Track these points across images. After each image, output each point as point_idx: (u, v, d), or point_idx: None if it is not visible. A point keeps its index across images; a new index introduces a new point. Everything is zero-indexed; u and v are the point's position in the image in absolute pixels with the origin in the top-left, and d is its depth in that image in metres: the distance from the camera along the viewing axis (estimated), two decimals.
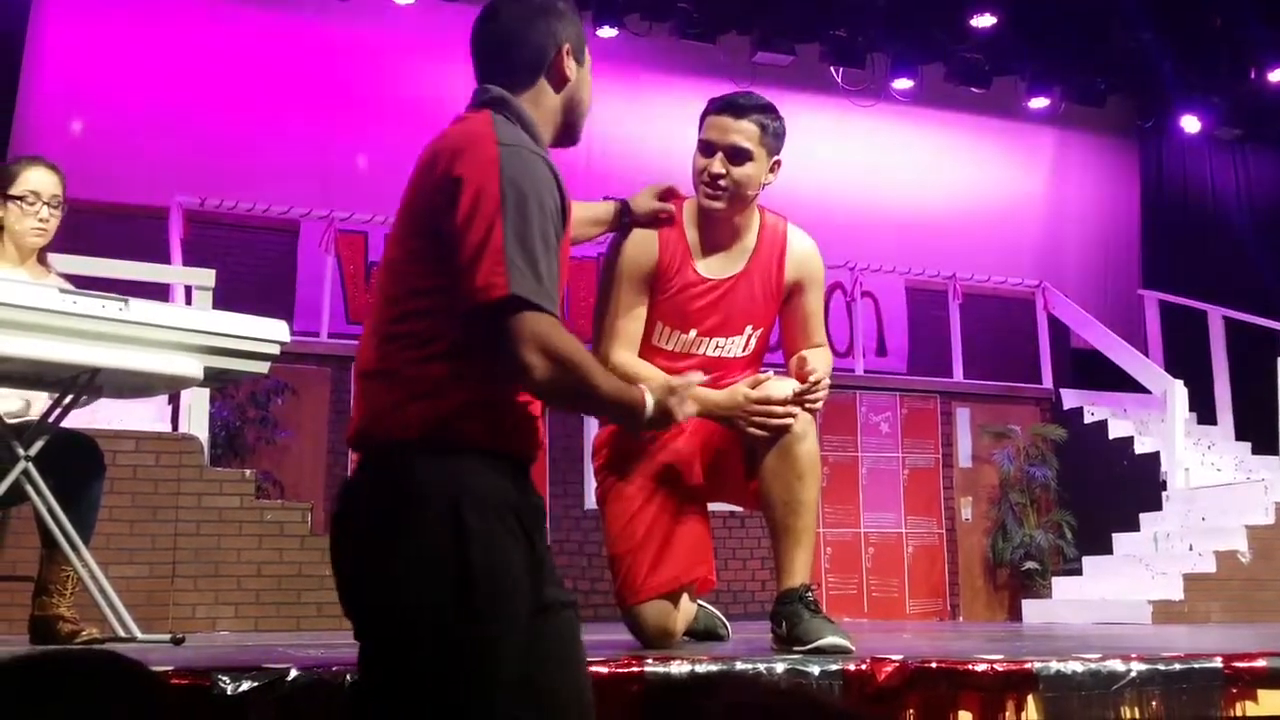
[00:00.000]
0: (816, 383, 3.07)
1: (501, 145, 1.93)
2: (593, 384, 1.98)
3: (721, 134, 3.18)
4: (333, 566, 2.00)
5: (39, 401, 3.68)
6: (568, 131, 2.20)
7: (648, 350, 3.24)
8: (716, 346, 3.28)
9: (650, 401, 2.07)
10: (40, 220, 3.70)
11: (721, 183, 3.18)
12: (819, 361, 3.21)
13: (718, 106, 3.22)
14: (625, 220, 3.25)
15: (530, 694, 1.87)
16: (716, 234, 3.28)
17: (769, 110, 3.23)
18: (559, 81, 2.12)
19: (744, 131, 3.17)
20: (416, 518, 1.87)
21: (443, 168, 1.95)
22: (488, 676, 1.84)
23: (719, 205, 3.20)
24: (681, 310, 3.24)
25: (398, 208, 2.06)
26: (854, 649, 2.85)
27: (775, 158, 3.24)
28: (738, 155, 3.16)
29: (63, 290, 3.36)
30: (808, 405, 3.06)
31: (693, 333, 3.26)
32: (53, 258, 3.95)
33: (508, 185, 1.89)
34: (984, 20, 9.78)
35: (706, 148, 3.19)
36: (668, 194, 3.27)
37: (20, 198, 3.68)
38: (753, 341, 3.34)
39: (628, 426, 2.19)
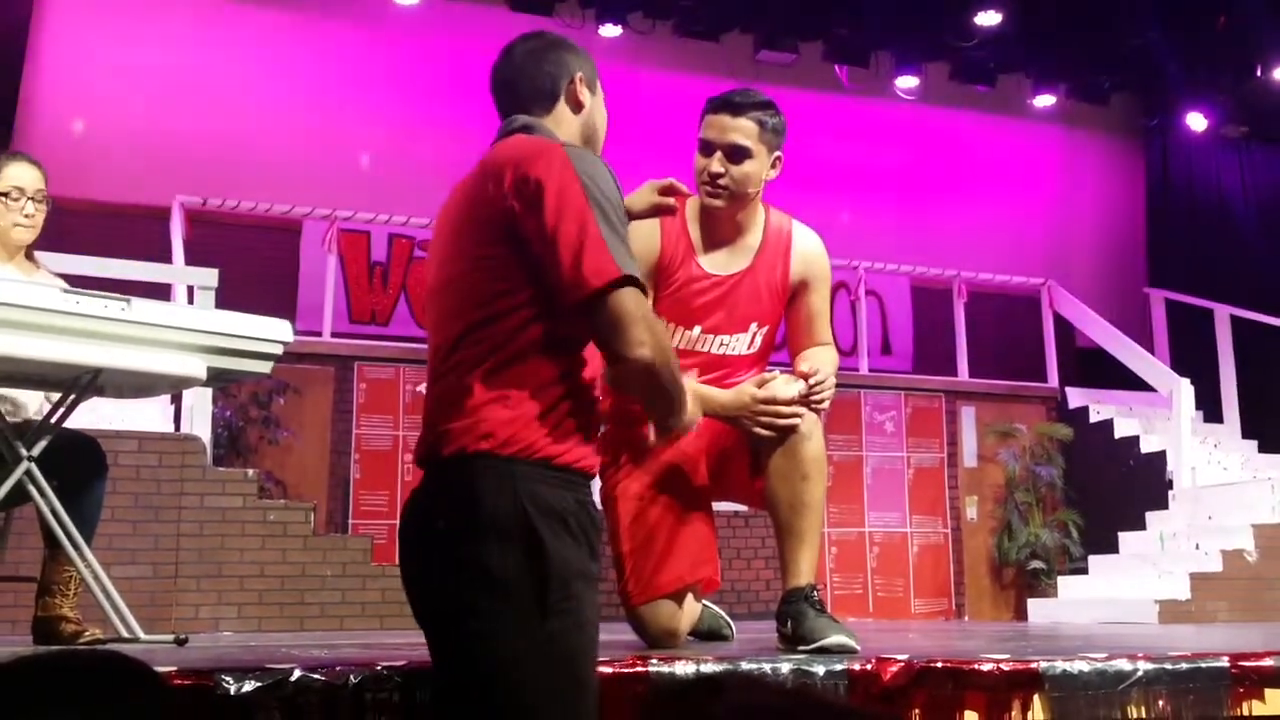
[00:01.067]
0: (820, 382, 3.06)
1: (568, 148, 2.05)
2: (675, 369, 2.06)
3: (720, 133, 3.16)
4: (404, 577, 2.06)
5: (33, 401, 3.67)
6: None
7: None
8: (721, 344, 3.27)
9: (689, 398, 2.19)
10: (26, 215, 3.69)
11: (721, 182, 3.17)
12: (823, 361, 3.20)
13: (715, 105, 3.20)
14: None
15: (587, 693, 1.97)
16: (719, 231, 3.27)
17: (767, 106, 3.22)
18: (576, 106, 2.25)
19: (742, 129, 3.15)
20: (489, 529, 1.92)
21: (513, 176, 2.01)
22: (570, 684, 1.93)
23: (719, 204, 3.19)
24: (685, 306, 3.23)
25: (441, 230, 2.14)
26: (859, 648, 2.83)
27: (776, 153, 3.22)
28: (737, 153, 3.15)
29: (65, 290, 3.35)
30: (814, 405, 3.05)
31: (696, 329, 3.25)
32: (51, 256, 3.94)
33: (587, 181, 2.00)
34: (988, 18, 9.76)
35: (705, 147, 3.18)
36: (669, 189, 3.26)
37: (4, 194, 3.67)
38: (758, 339, 3.32)
39: (668, 422, 2.21)
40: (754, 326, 3.30)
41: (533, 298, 1.99)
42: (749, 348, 3.29)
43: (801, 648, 2.88)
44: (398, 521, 2.10)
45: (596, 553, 2.02)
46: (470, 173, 2.14)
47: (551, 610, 1.90)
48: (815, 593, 3.01)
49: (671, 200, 3.23)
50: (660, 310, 3.22)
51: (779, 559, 3.11)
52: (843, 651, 2.79)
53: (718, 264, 3.27)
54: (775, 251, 3.30)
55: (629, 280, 1.95)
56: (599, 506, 2.09)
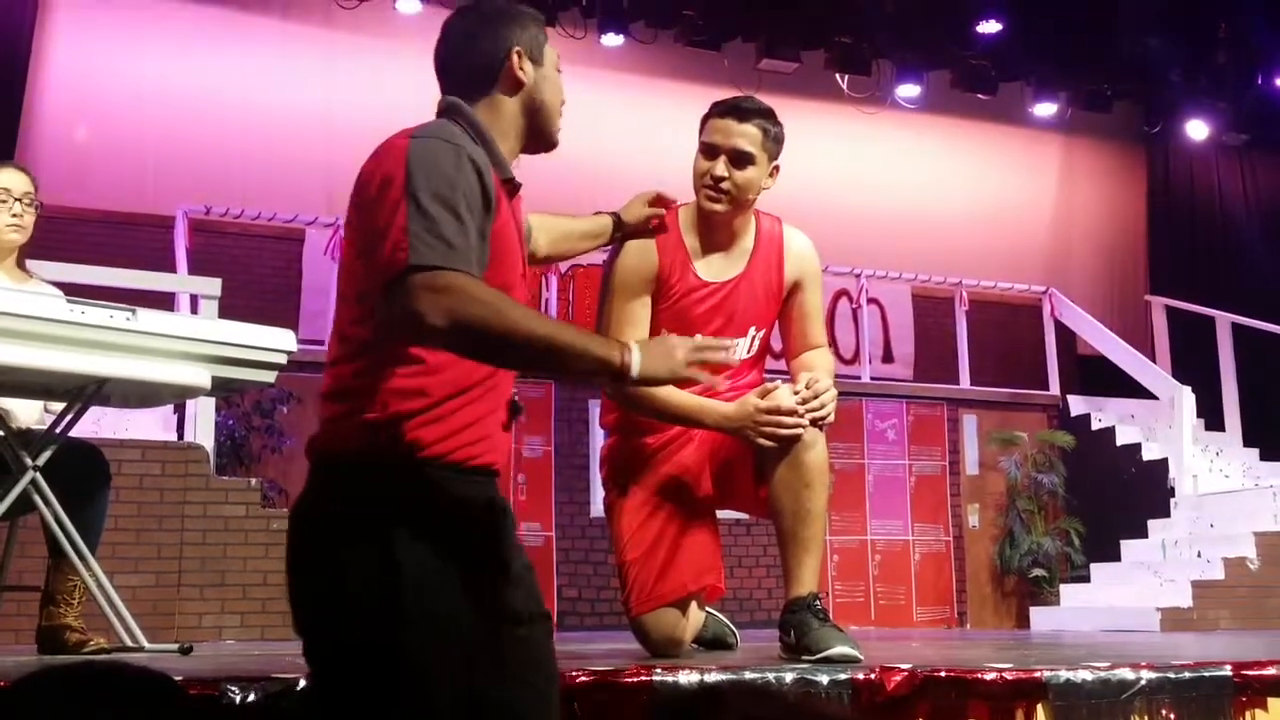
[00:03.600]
0: (821, 393, 3.06)
1: (412, 139, 1.96)
2: (511, 321, 1.85)
3: (725, 137, 3.18)
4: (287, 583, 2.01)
5: (24, 410, 3.68)
6: (537, 135, 2.18)
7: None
8: None
9: (634, 351, 1.97)
10: (14, 216, 3.69)
11: (724, 185, 3.18)
12: (822, 370, 3.21)
13: (721, 110, 3.22)
14: (617, 234, 3.24)
15: (476, 709, 1.83)
16: (715, 238, 3.28)
17: (770, 115, 3.25)
18: (513, 86, 2.12)
19: (747, 135, 3.18)
20: (350, 533, 1.87)
21: (361, 180, 2.00)
22: (422, 693, 1.82)
23: (720, 208, 3.20)
24: (685, 316, 3.23)
25: None
26: (862, 658, 2.84)
27: (775, 162, 3.25)
28: (741, 158, 3.17)
29: (69, 300, 3.36)
30: (819, 421, 3.04)
31: (698, 338, 3.25)
32: (54, 265, 3.94)
33: (414, 169, 1.90)
34: (990, 26, 9.79)
35: (710, 150, 3.19)
36: (657, 200, 3.27)
37: None
38: (756, 342, 3.34)
39: (607, 378, 1.99)
40: (752, 330, 3.32)
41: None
42: (748, 351, 3.31)
43: (805, 657, 2.88)
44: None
45: (492, 549, 1.94)
46: None
47: (409, 614, 1.87)
48: (818, 602, 3.01)
49: (662, 212, 3.25)
50: (661, 321, 3.22)
51: (782, 567, 3.11)
52: (846, 661, 2.80)
53: (714, 271, 3.28)
54: (769, 253, 3.32)
55: (420, 269, 1.83)
56: (504, 501, 2.01)
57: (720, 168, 3.17)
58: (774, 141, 3.23)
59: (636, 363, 1.96)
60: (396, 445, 1.89)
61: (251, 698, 2.20)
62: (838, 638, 2.91)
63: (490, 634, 1.86)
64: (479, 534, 1.93)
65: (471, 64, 2.12)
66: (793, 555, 3.05)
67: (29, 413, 3.70)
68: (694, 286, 3.25)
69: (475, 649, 1.85)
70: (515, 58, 2.11)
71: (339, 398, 1.95)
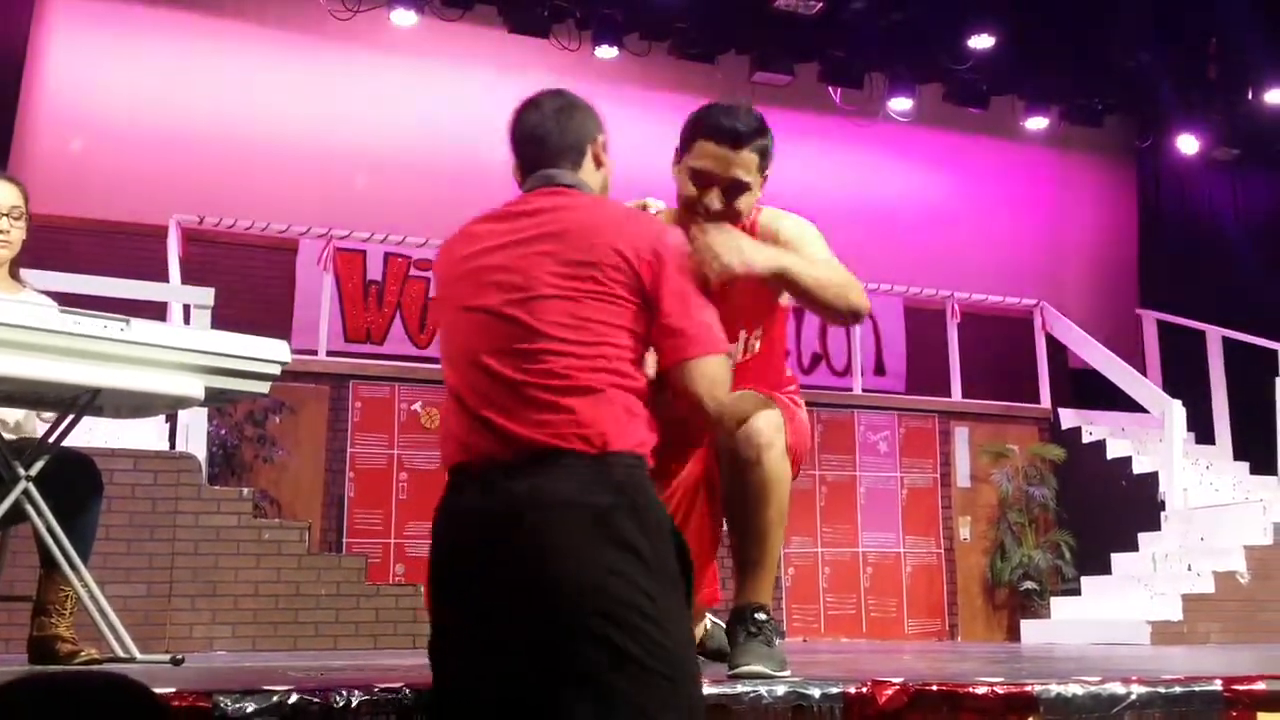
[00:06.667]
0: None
1: (668, 229, 2.34)
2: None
3: (722, 167, 2.84)
4: (481, 571, 2.04)
5: (13, 418, 3.68)
6: None
7: (641, 374, 3.15)
8: None
9: None
10: (1, 232, 3.69)
11: (718, 217, 2.85)
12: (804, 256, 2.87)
13: (715, 134, 2.84)
14: None
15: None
16: None
17: (763, 130, 2.93)
18: (598, 163, 2.41)
19: (744, 164, 2.86)
20: (614, 517, 2.03)
21: (633, 246, 2.21)
22: (687, 666, 2.04)
23: None
24: None
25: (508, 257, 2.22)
26: (776, 674, 2.74)
27: (766, 173, 2.99)
28: (737, 188, 2.86)
29: (61, 310, 3.36)
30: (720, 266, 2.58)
31: None
32: (48, 275, 3.94)
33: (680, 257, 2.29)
34: (982, 41, 9.83)
35: (701, 178, 2.85)
36: (643, 210, 3.20)
37: None
38: (755, 343, 3.16)
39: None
40: (743, 334, 3.12)
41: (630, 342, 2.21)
42: (743, 355, 3.17)
43: (727, 670, 2.83)
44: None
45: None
46: (527, 210, 2.28)
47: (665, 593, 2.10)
48: (758, 614, 2.90)
49: None
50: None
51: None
52: (756, 678, 2.71)
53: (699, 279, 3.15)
54: None
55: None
56: None
57: (715, 201, 2.85)
58: (767, 158, 2.96)
59: None
60: (623, 440, 2.14)
61: (245, 709, 2.20)
62: (757, 654, 2.80)
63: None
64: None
65: (567, 140, 2.37)
66: (740, 568, 2.97)
67: (13, 419, 3.70)
68: None
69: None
70: (601, 144, 2.42)
71: (572, 401, 2.15)
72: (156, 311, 6.54)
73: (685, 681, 2.03)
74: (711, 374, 2.23)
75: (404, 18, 9.37)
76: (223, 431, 7.28)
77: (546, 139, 2.36)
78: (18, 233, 3.73)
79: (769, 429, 2.87)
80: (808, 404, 3.51)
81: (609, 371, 2.14)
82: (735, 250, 2.54)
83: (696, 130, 2.90)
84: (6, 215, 3.70)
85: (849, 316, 2.81)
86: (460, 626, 2.08)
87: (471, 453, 2.13)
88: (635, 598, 1.99)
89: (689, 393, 2.22)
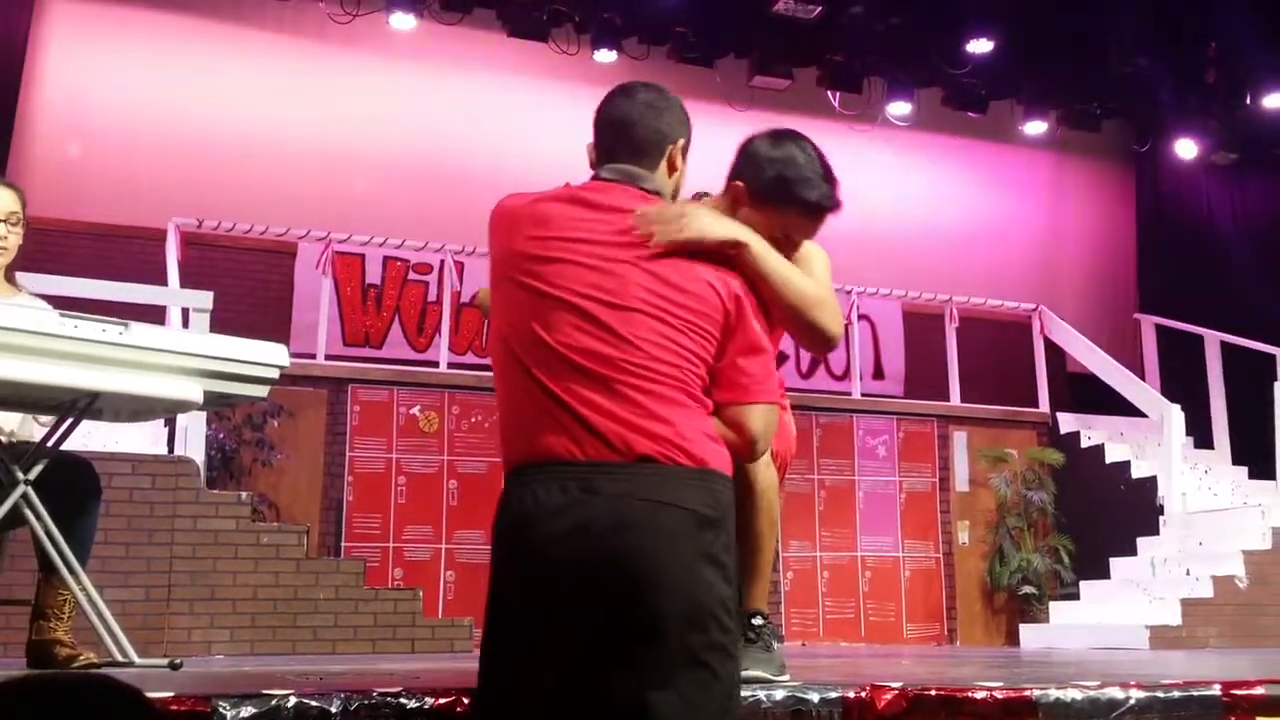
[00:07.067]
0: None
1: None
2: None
3: (807, 235, 2.68)
4: (577, 573, 2.03)
5: (11, 422, 3.68)
6: None
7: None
8: None
9: None
10: None
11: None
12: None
13: (811, 211, 2.60)
14: None
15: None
16: None
17: None
18: (672, 168, 2.37)
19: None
20: (714, 531, 2.09)
21: (706, 289, 2.22)
22: (739, 685, 2.13)
23: None
24: None
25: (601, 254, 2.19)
26: (777, 679, 2.77)
27: None
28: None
29: (60, 314, 3.36)
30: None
31: None
32: (46, 278, 3.93)
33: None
34: (980, 45, 9.83)
35: (784, 240, 2.59)
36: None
37: None
38: None
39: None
40: None
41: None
42: None
43: None
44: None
45: None
46: (607, 204, 2.24)
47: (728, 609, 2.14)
48: (755, 620, 2.93)
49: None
50: None
51: None
52: (756, 682, 2.71)
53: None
54: None
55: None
56: None
57: (788, 252, 2.61)
58: None
59: None
60: (716, 459, 2.18)
61: (244, 714, 2.20)
62: (757, 660, 2.82)
63: None
64: None
65: (650, 137, 2.33)
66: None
67: (20, 427, 3.70)
68: None
69: None
70: (680, 148, 2.37)
71: (672, 415, 2.17)
72: (155, 315, 6.54)
73: (737, 698, 2.12)
74: (767, 420, 2.27)
75: (403, 21, 9.37)
76: (221, 435, 7.28)
77: (632, 130, 2.33)
78: (15, 238, 3.72)
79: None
80: (806, 408, 3.52)
81: (691, 396, 2.16)
82: (699, 222, 2.30)
83: (789, 195, 2.60)
84: (4, 221, 3.69)
85: (810, 329, 2.51)
86: (543, 626, 2.04)
87: (565, 452, 2.09)
88: (719, 613, 2.04)
89: (744, 431, 2.25)
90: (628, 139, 2.32)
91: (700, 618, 2.01)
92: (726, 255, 2.28)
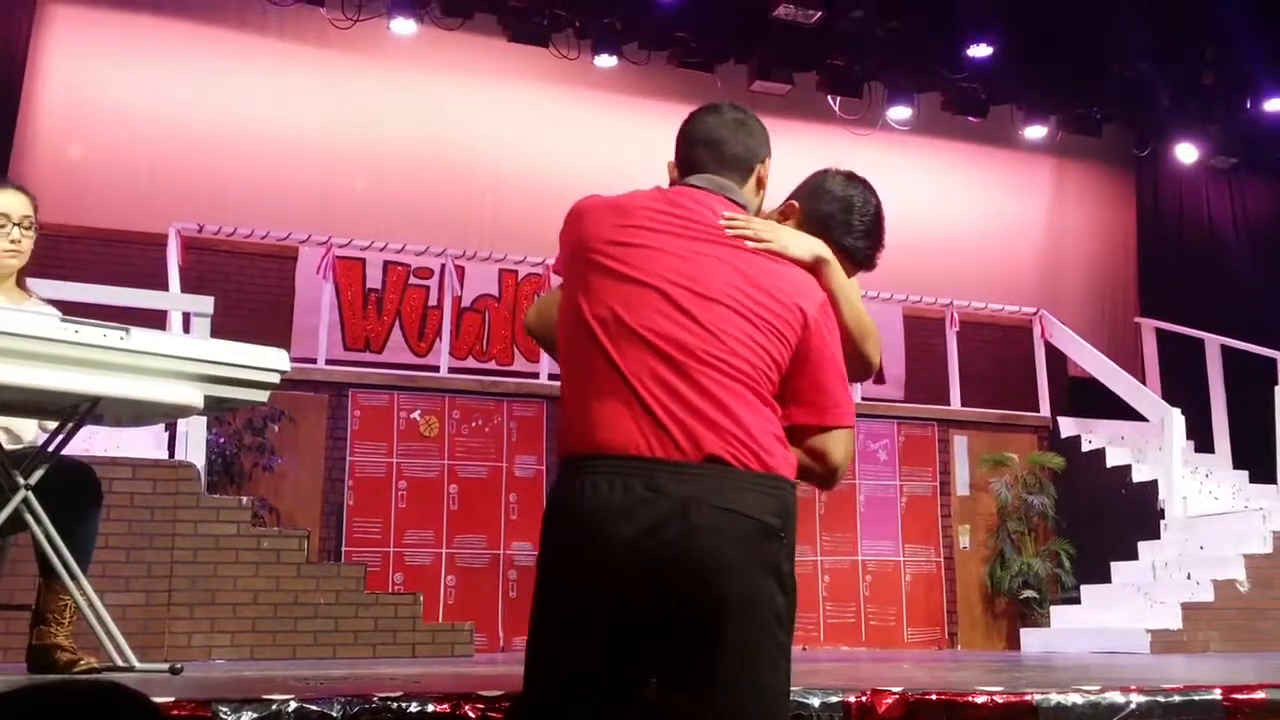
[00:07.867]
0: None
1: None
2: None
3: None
4: (639, 570, 2.00)
5: (19, 427, 3.68)
6: None
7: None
8: None
9: None
10: (11, 242, 3.68)
11: None
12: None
13: (856, 256, 2.61)
14: None
15: None
16: None
17: None
18: (760, 184, 2.41)
19: None
20: (778, 540, 2.16)
21: (813, 311, 2.22)
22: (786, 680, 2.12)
23: None
24: None
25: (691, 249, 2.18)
26: None
27: None
28: None
29: (63, 319, 3.36)
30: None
31: None
32: (48, 283, 3.93)
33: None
34: (981, 50, 9.84)
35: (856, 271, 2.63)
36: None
37: None
38: None
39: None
40: None
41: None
42: None
43: None
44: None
45: None
46: (696, 206, 2.24)
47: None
48: None
49: None
50: None
51: None
52: None
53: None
54: None
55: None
56: None
57: None
58: None
59: None
60: (784, 465, 2.19)
61: (244, 718, 2.20)
62: None
63: None
64: None
65: (738, 153, 2.37)
66: None
67: (32, 432, 3.70)
68: None
69: None
70: (767, 165, 2.42)
71: (747, 419, 2.16)
72: (156, 320, 6.54)
73: (786, 707, 2.14)
74: (846, 444, 2.28)
75: (404, 27, 9.38)
76: (222, 440, 7.28)
77: (722, 145, 2.36)
78: (28, 242, 3.73)
79: None
80: None
81: (763, 398, 2.13)
82: (786, 234, 2.37)
83: (827, 233, 2.54)
84: (18, 225, 3.70)
85: (859, 358, 2.56)
86: (598, 624, 2.02)
87: (631, 444, 2.04)
88: (774, 627, 2.06)
89: (825, 455, 2.26)
90: (719, 155, 2.36)
91: (754, 631, 2.02)
92: (808, 267, 2.30)
